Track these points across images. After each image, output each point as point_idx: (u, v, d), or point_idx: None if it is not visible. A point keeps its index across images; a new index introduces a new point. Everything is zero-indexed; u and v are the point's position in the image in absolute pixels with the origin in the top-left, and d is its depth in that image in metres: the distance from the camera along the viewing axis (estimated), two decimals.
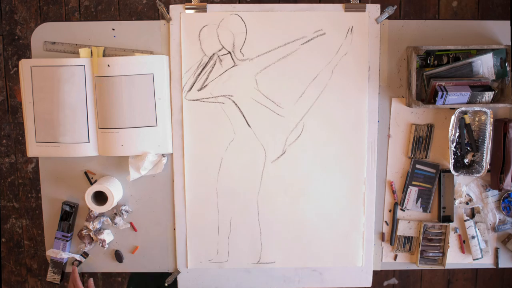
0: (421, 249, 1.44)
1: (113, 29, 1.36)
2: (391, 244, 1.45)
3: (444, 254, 1.45)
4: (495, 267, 1.47)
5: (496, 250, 1.46)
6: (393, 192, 1.44)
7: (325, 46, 1.36)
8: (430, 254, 1.45)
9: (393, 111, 1.40)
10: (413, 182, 1.42)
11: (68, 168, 1.41)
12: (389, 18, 1.36)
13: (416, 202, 1.43)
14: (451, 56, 1.36)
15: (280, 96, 1.38)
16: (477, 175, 1.37)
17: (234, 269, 1.46)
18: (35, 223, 2.29)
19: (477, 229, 1.44)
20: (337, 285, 1.47)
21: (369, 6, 1.35)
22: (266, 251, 1.45)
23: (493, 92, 1.31)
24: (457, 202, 1.43)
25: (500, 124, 1.37)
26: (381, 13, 1.35)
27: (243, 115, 1.39)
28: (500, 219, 1.45)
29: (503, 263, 1.47)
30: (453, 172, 1.35)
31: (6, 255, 2.33)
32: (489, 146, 1.34)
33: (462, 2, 2.15)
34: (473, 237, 1.44)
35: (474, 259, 1.45)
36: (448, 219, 1.43)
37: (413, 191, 1.43)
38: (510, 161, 1.35)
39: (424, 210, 1.43)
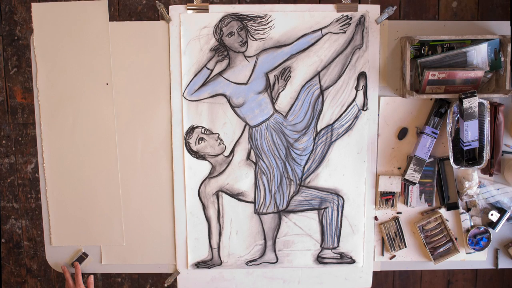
0: (429, 247, 1.44)
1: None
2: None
3: (452, 240, 1.44)
4: (494, 267, 1.47)
5: (496, 251, 1.46)
6: None
7: (325, 47, 1.36)
8: (441, 249, 1.44)
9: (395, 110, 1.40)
10: None
11: None
12: (389, 18, 1.36)
13: (420, 198, 1.43)
14: (445, 46, 1.35)
15: (280, 96, 1.38)
16: (478, 166, 1.34)
17: (234, 270, 1.46)
18: (35, 224, 2.29)
19: (472, 224, 1.43)
20: (337, 285, 1.47)
21: (369, 7, 1.35)
22: (266, 252, 1.45)
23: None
24: (467, 184, 1.39)
25: (490, 108, 1.34)
26: (380, 14, 1.35)
27: (244, 115, 1.39)
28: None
29: (503, 264, 1.47)
30: (453, 165, 1.34)
31: (5, 256, 2.33)
32: (488, 137, 1.33)
33: (462, 3, 2.15)
34: (467, 231, 1.43)
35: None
36: (455, 205, 1.41)
37: (414, 189, 1.42)
38: (499, 144, 1.34)
39: (429, 204, 1.43)
